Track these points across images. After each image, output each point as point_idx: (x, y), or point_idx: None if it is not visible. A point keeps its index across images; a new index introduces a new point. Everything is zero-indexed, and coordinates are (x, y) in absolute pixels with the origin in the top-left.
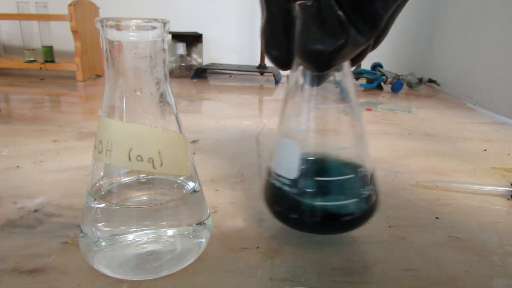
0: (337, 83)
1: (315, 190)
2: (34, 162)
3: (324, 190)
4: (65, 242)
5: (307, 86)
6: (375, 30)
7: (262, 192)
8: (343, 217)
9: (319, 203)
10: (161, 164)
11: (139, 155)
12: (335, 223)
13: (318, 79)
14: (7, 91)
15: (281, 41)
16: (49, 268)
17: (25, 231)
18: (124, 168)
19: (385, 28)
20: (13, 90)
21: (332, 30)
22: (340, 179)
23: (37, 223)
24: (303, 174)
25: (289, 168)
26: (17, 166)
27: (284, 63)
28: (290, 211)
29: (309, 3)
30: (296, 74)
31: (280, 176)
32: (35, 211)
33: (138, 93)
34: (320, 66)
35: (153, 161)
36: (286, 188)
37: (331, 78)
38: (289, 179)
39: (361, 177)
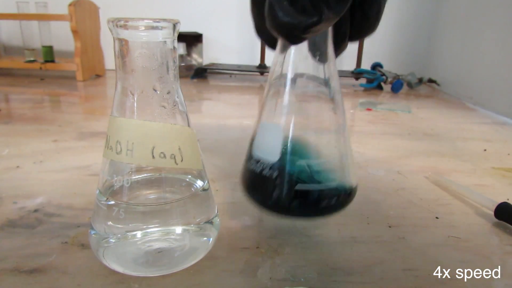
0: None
1: (297, 172)
2: (34, 162)
3: (306, 173)
4: (65, 242)
5: (289, 74)
6: (345, 4)
7: (241, 180)
8: (324, 201)
9: (301, 186)
10: (182, 160)
11: (162, 152)
12: (316, 206)
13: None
14: (7, 91)
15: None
16: (49, 268)
17: (25, 231)
18: (147, 166)
19: (378, 10)
20: (13, 90)
21: (304, 7)
22: (321, 162)
23: (37, 223)
24: (285, 156)
25: (271, 151)
26: (17, 166)
27: (275, 43)
28: (270, 195)
29: None
30: (278, 61)
31: (260, 160)
32: (35, 211)
33: (149, 92)
34: (293, 40)
35: (175, 157)
36: (266, 172)
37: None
38: (270, 162)
39: (341, 161)
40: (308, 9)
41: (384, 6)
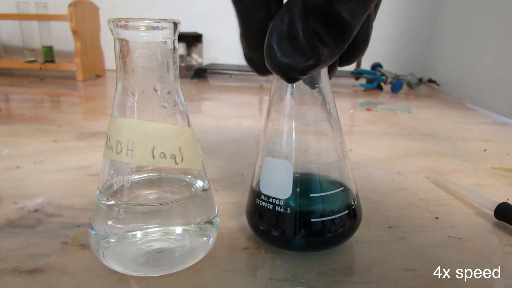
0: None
1: (310, 207)
2: (34, 162)
3: (318, 206)
4: (65, 242)
5: (289, 101)
6: (345, 43)
7: (249, 215)
8: (335, 231)
9: (315, 219)
10: (182, 160)
11: (162, 152)
12: (328, 237)
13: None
14: (7, 91)
15: (260, 47)
16: (49, 268)
17: (25, 231)
18: (147, 166)
19: (366, 36)
20: (13, 90)
21: (302, 49)
22: (331, 194)
23: (37, 223)
24: (296, 193)
25: (282, 188)
26: (17, 166)
27: (265, 70)
28: (282, 232)
29: (279, 19)
30: (278, 87)
31: (271, 197)
32: (35, 211)
33: (150, 92)
34: (290, 80)
35: (175, 157)
36: (280, 209)
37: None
38: (282, 200)
39: (348, 190)
40: (306, 51)
41: (371, 32)
